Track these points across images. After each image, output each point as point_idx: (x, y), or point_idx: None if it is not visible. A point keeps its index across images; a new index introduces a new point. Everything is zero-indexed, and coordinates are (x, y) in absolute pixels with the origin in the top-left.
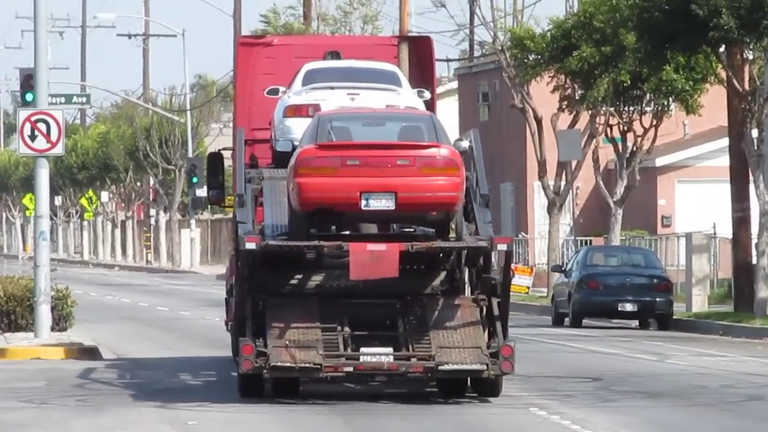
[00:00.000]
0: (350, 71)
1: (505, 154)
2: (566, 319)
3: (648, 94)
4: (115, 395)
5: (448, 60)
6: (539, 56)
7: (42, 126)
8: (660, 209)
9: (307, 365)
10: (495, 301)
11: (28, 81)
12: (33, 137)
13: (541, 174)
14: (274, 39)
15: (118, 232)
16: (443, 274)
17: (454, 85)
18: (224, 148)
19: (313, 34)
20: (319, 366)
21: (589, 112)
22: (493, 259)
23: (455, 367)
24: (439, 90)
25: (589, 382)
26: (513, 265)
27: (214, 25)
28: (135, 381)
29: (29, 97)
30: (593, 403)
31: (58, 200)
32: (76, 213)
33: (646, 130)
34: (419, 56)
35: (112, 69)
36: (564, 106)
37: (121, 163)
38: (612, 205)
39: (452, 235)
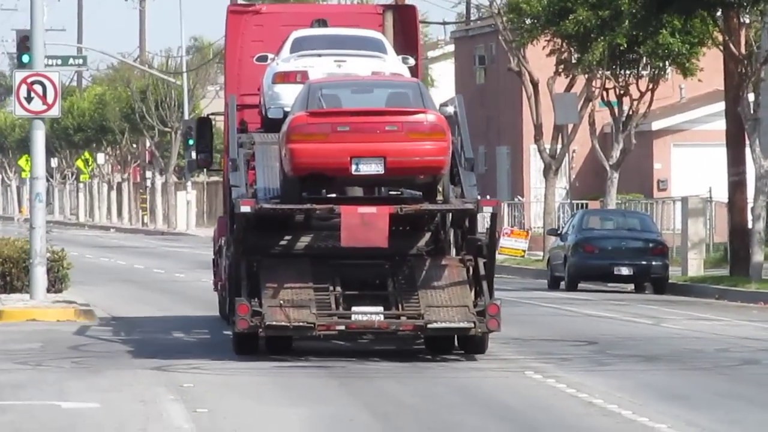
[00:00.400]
0: (337, 38)
1: (501, 117)
2: (562, 283)
3: (644, 58)
4: (111, 357)
5: (444, 23)
6: (535, 20)
7: (38, 88)
8: (656, 173)
9: (300, 324)
10: (481, 262)
11: (24, 42)
12: (29, 99)
13: (537, 137)
14: (262, 7)
15: (114, 194)
16: (428, 236)
17: (451, 48)
18: (212, 113)
19: (300, 3)
20: (312, 325)
21: (586, 75)
22: (478, 221)
23: (443, 325)
24: (435, 53)
25: (584, 346)
26: (509, 229)
27: None
28: (130, 343)
29: (26, 58)
30: (589, 367)
31: (54, 162)
32: (72, 175)
33: (642, 94)
34: (403, 24)
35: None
36: (560, 70)
37: (117, 125)
38: (608, 168)
39: (439, 197)
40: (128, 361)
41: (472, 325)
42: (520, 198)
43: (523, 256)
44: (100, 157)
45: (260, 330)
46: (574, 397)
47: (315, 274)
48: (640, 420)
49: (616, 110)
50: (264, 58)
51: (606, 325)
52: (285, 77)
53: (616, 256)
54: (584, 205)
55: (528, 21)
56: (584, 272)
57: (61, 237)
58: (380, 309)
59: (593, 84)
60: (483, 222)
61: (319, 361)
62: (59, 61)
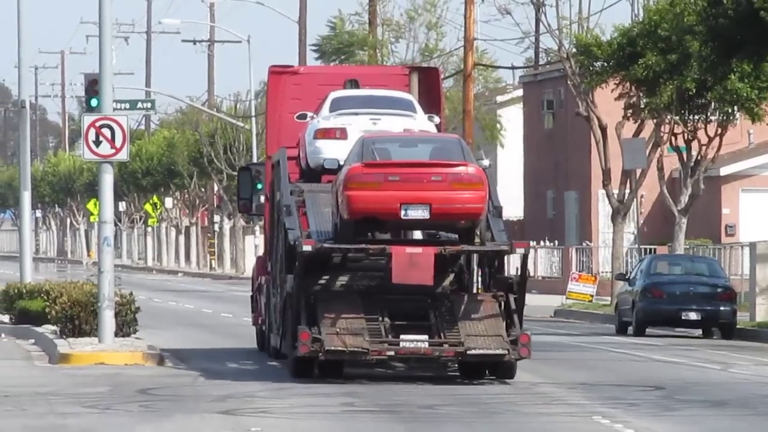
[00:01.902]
0: (371, 99)
1: (570, 162)
2: (630, 328)
3: (713, 103)
4: (179, 401)
5: (513, 68)
6: (605, 63)
7: (106, 131)
8: (724, 218)
9: (356, 349)
10: (512, 297)
11: (93, 86)
12: (97, 143)
13: (606, 182)
14: (300, 68)
15: (182, 238)
16: (452, 276)
17: (520, 92)
18: (253, 163)
19: (334, 65)
20: (366, 350)
21: (654, 120)
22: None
23: (481, 351)
24: (503, 98)
25: (652, 391)
26: (577, 274)
27: (279, 31)
28: (198, 386)
29: (94, 102)
30: (657, 412)
31: (122, 206)
32: (140, 219)
33: (710, 139)
34: (428, 85)
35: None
36: (629, 115)
37: (185, 168)
38: (676, 213)
39: (477, 240)
40: (196, 405)
41: (506, 352)
42: (588, 243)
43: (591, 301)
44: (168, 201)
45: (320, 354)
46: None
47: (365, 307)
48: None
49: (685, 155)
50: (304, 116)
51: (674, 370)
52: (326, 133)
53: (684, 301)
54: (652, 250)
55: (597, 64)
56: (652, 317)
57: (129, 281)
58: (425, 337)
59: (661, 129)
60: (510, 263)
61: (387, 405)
62: (127, 105)
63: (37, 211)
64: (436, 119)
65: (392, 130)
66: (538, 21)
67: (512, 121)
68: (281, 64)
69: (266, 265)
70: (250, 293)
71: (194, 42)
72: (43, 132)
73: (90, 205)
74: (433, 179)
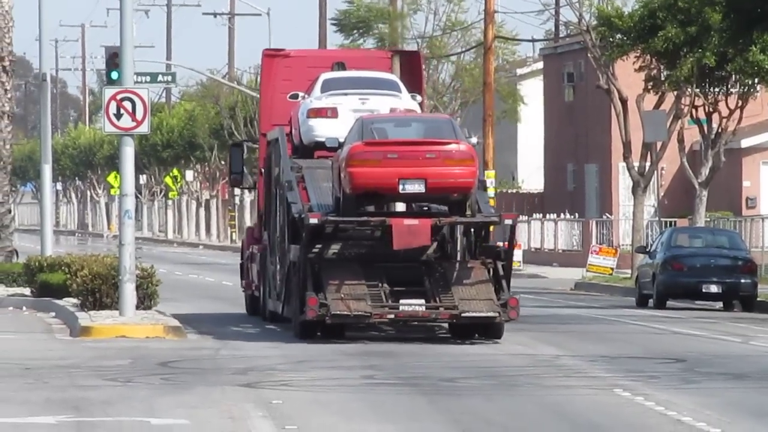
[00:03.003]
0: (360, 80)
1: (590, 135)
2: (650, 301)
3: (733, 75)
4: (200, 373)
5: (533, 40)
6: (625, 35)
7: (127, 104)
8: (745, 191)
9: (359, 313)
10: (500, 264)
11: (113, 59)
12: (118, 116)
13: (626, 155)
14: (291, 52)
15: (202, 211)
16: (435, 245)
17: (540, 65)
18: (244, 140)
19: (322, 49)
20: (369, 314)
21: (674, 93)
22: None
23: (474, 314)
24: (523, 70)
25: (672, 364)
26: (598, 246)
27: (299, 4)
28: (219, 359)
29: (115, 75)
30: (677, 385)
31: (142, 179)
32: (161, 192)
33: (731, 111)
34: (409, 67)
35: (197, 48)
36: (649, 87)
37: (205, 141)
38: (697, 186)
39: (468, 212)
40: (217, 378)
41: (497, 314)
42: (609, 216)
43: (611, 274)
44: (189, 174)
45: (327, 318)
46: (663, 414)
47: (366, 274)
48: None
49: (705, 128)
50: (296, 96)
51: (694, 343)
52: (318, 112)
53: (704, 273)
54: (673, 223)
55: (618, 36)
56: (673, 290)
57: (149, 254)
58: (422, 301)
59: (682, 101)
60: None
61: (407, 378)
62: (148, 78)
63: (57, 184)
64: (419, 98)
65: (380, 109)
66: None
67: (532, 94)
68: (274, 48)
69: (257, 235)
70: (240, 262)
71: (215, 15)
72: (64, 105)
73: (110, 178)
74: (428, 156)
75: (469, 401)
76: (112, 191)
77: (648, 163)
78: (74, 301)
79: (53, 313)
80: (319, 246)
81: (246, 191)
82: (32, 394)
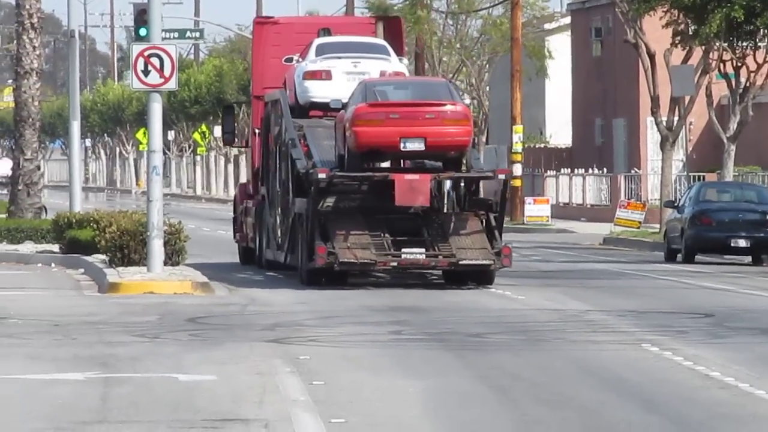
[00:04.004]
0: (352, 44)
1: (618, 89)
2: (678, 255)
3: (762, 30)
4: (228, 330)
5: None
6: None
7: (155, 61)
8: None
9: (365, 261)
10: (492, 216)
11: (141, 16)
12: (146, 72)
13: (654, 110)
14: (280, 19)
15: (230, 166)
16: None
17: (567, 20)
18: (236, 101)
19: (309, 16)
20: (374, 261)
21: (702, 47)
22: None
23: (471, 262)
24: (551, 25)
25: (701, 318)
26: (626, 201)
27: None
28: (247, 315)
29: (143, 32)
30: (706, 340)
31: (171, 135)
32: (189, 148)
33: (759, 66)
34: (391, 32)
35: (225, 4)
36: (677, 42)
37: (234, 97)
38: (725, 140)
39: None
40: (245, 334)
41: (492, 262)
42: (637, 170)
43: (639, 228)
44: (217, 130)
45: (335, 265)
46: (691, 369)
47: (368, 225)
48: (758, 393)
49: (733, 82)
50: (290, 60)
51: (723, 298)
52: (313, 75)
53: (733, 228)
54: (701, 178)
55: None
56: (701, 244)
57: (178, 210)
58: (422, 250)
59: (710, 56)
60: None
61: (435, 333)
62: (176, 35)
63: (86, 140)
64: (405, 61)
65: (371, 72)
66: None
67: (560, 48)
68: (264, 16)
69: (251, 191)
70: (233, 216)
71: None
72: (92, 62)
73: (139, 135)
74: (427, 116)
75: (497, 356)
76: (141, 147)
77: (676, 118)
78: (102, 257)
79: (82, 270)
80: (324, 199)
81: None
82: (60, 350)
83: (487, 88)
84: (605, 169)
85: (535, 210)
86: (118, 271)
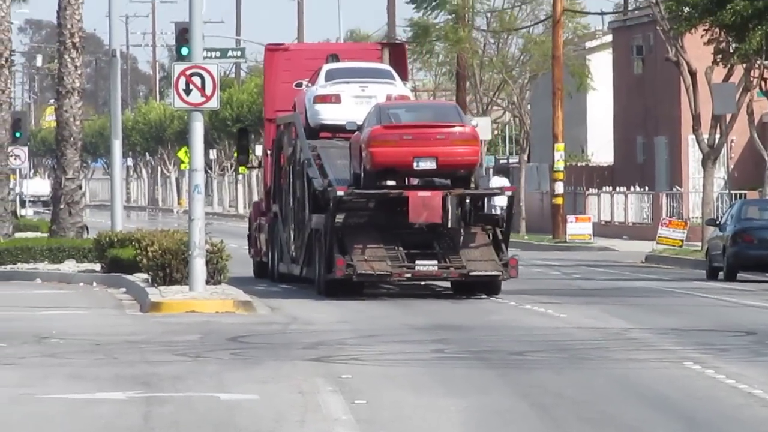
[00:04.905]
0: (359, 70)
1: (659, 107)
2: (720, 273)
3: None
4: (270, 349)
5: (602, 13)
6: (693, 9)
7: (197, 80)
8: None
9: (382, 273)
10: (498, 230)
11: (183, 35)
12: (188, 91)
13: (696, 127)
14: (290, 46)
15: None
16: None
17: (609, 38)
18: (249, 125)
19: (317, 43)
20: (390, 273)
21: (743, 65)
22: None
23: (481, 273)
24: (592, 43)
25: (743, 336)
26: (668, 219)
27: None
28: (289, 334)
29: (184, 51)
30: (748, 357)
31: (212, 154)
32: (231, 166)
33: None
34: (396, 58)
35: (266, 23)
36: (718, 60)
37: None
38: (766, 158)
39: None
40: (287, 353)
41: (500, 273)
42: (678, 188)
43: (681, 246)
44: (259, 149)
45: (354, 277)
46: (734, 387)
47: (383, 239)
48: None
49: None
50: (300, 84)
51: (765, 316)
52: (323, 99)
53: None
54: (743, 195)
55: (686, 9)
56: (743, 262)
57: (219, 229)
58: (434, 262)
59: (751, 73)
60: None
61: (477, 352)
62: (218, 54)
63: (128, 159)
64: (409, 85)
65: (378, 95)
66: None
67: (601, 66)
68: (275, 43)
69: (264, 208)
70: (248, 233)
71: None
72: (134, 81)
73: (181, 153)
74: (438, 137)
75: (539, 374)
76: (182, 166)
77: (717, 136)
78: (144, 276)
79: (123, 289)
80: (341, 215)
81: None
82: (102, 369)
83: (529, 106)
84: (647, 187)
85: (577, 228)
86: (160, 290)
